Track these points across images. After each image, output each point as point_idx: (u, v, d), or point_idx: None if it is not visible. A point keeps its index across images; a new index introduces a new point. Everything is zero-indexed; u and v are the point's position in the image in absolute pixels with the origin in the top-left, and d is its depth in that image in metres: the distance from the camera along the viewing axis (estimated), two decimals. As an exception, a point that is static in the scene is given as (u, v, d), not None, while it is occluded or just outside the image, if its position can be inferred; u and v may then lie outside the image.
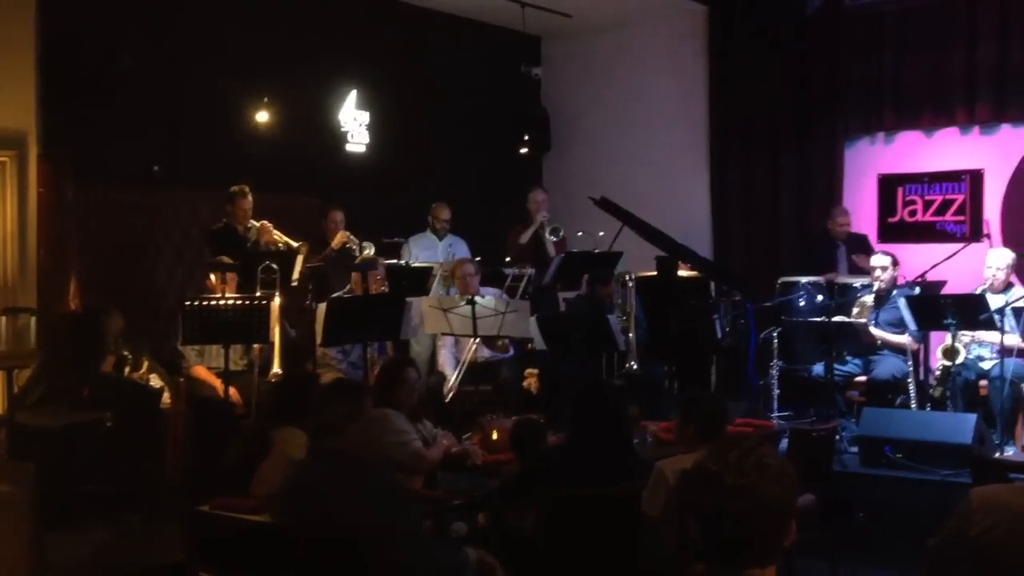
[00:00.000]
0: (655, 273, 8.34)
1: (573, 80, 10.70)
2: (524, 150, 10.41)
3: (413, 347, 7.58)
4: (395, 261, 7.98)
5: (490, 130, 10.19)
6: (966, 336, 6.91)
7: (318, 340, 6.34)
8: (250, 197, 7.35)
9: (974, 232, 8.56)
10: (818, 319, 7.27)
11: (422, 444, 4.86)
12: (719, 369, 8.43)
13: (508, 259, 8.61)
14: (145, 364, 6.46)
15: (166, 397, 6.26)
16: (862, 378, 7.35)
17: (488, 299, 6.92)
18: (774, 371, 7.56)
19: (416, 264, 7.92)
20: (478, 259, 7.83)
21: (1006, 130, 8.52)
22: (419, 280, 7.57)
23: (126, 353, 6.38)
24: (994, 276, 7.08)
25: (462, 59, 9.96)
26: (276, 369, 6.42)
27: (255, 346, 6.56)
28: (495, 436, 5.23)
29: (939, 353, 7.01)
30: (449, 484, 4.92)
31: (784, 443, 6.13)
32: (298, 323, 6.98)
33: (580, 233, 8.73)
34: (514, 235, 8.87)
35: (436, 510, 4.48)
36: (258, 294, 6.35)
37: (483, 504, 4.61)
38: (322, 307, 6.28)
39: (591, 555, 4.00)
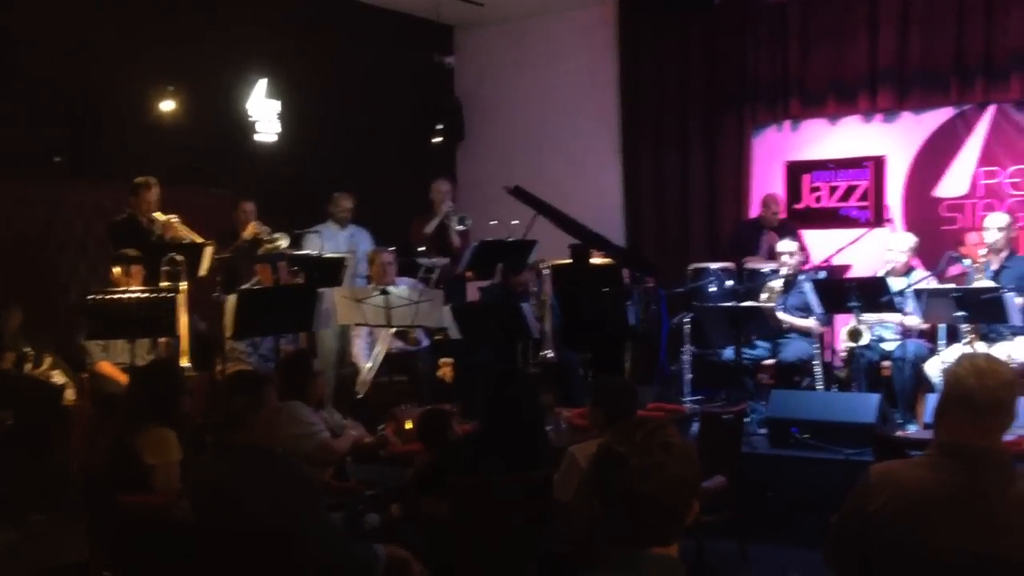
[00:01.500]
0: (569, 261, 8.38)
1: (486, 69, 10.70)
2: (437, 139, 10.38)
3: (327, 338, 7.51)
4: (307, 252, 7.88)
5: (403, 119, 10.14)
6: (870, 318, 7.10)
7: (227, 333, 6.23)
8: (155, 189, 7.18)
9: (877, 217, 8.78)
10: (727, 304, 7.39)
11: (329, 435, 4.81)
12: (633, 355, 8.52)
13: (422, 249, 8.57)
14: (47, 360, 6.29)
15: (70, 394, 6.10)
16: (771, 361, 7.50)
17: (402, 289, 6.89)
18: (686, 356, 7.66)
19: (329, 255, 7.83)
20: (392, 248, 7.78)
21: (907, 117, 8.76)
22: (332, 271, 7.49)
23: (27, 350, 6.20)
24: (896, 260, 7.27)
25: (375, 48, 9.88)
26: (185, 363, 6.30)
27: (162, 340, 6.43)
28: (409, 426, 5.21)
29: (844, 335, 7.19)
30: (362, 475, 4.88)
31: (695, 426, 6.25)
32: (207, 316, 6.86)
33: (494, 222, 8.72)
34: (417, 225, 8.83)
35: (348, 502, 4.44)
36: (163, 286, 6.21)
37: (397, 495, 4.59)
38: (232, 299, 6.18)
39: (505, 541, 4.01)
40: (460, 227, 8.83)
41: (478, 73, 10.72)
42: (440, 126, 10.34)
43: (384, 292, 6.57)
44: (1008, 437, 4.67)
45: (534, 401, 4.31)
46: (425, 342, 7.49)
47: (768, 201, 8.82)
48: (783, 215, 8.91)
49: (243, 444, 3.41)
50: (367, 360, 7.06)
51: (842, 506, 2.82)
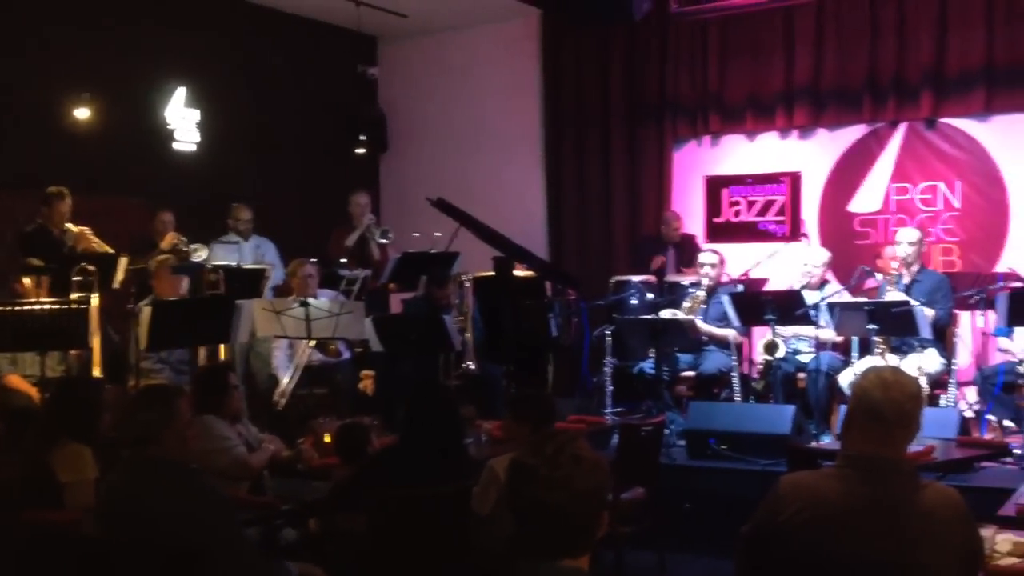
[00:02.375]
0: (491, 273, 8.39)
1: (410, 81, 10.68)
2: (361, 150, 10.33)
3: (257, 349, 7.39)
4: (227, 263, 7.77)
5: (326, 130, 10.07)
6: (786, 331, 7.24)
7: (142, 345, 6.10)
8: (68, 200, 7.01)
9: (793, 231, 8.96)
10: (648, 316, 7.46)
11: (245, 449, 4.74)
12: (555, 367, 8.57)
13: (344, 261, 8.52)
14: (-48, 374, 6.09)
15: (-24, 408, 5.90)
16: (690, 373, 7.59)
17: (322, 301, 6.83)
18: (607, 368, 7.71)
19: (249, 266, 7.73)
20: (314, 260, 7.71)
21: (822, 134, 8.97)
22: (251, 282, 7.39)
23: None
24: (811, 273, 7.42)
25: (297, 58, 9.81)
26: (97, 374, 6.16)
27: (73, 352, 6.27)
28: (327, 439, 5.16)
29: (761, 348, 7.31)
30: (279, 489, 4.81)
31: (615, 438, 6.29)
32: (122, 328, 6.72)
33: (416, 234, 8.71)
34: (337, 237, 8.78)
35: (264, 517, 4.38)
36: (74, 297, 6.06)
37: (315, 509, 4.53)
38: (147, 310, 6.06)
39: (423, 556, 3.99)
40: (383, 240, 8.79)
41: (402, 84, 10.69)
42: (363, 137, 10.29)
43: (304, 304, 6.51)
44: (915, 448, 4.81)
45: (453, 414, 4.30)
46: (346, 354, 7.44)
47: (668, 218, 8.96)
48: (695, 230, 9.05)
49: (154, 459, 3.34)
50: (286, 372, 6.98)
51: (751, 517, 2.86)
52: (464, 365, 7.28)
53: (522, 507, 1.97)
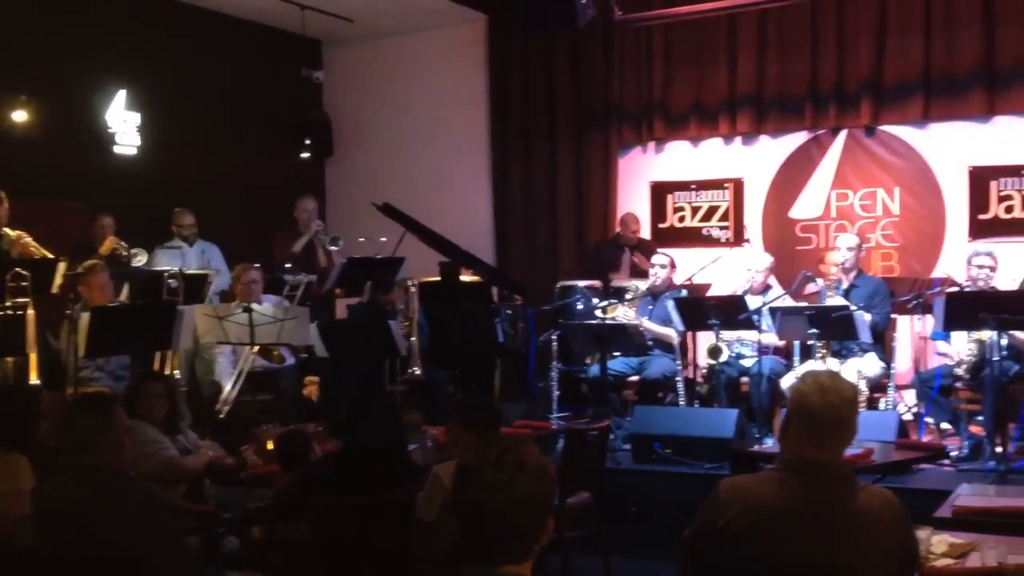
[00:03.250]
0: (438, 279, 8.39)
1: (356, 85, 10.63)
2: (306, 155, 10.27)
3: (201, 355, 7.30)
4: (168, 268, 7.66)
5: (271, 134, 10.00)
6: (730, 335, 7.31)
7: (80, 351, 6.00)
8: (5, 204, 6.86)
9: (737, 237, 9.06)
10: (593, 321, 7.50)
11: (176, 452, 4.69)
12: (502, 372, 8.58)
13: (288, 266, 8.45)
14: None
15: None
16: (636, 378, 7.64)
17: (266, 306, 6.77)
18: (554, 373, 7.74)
19: (191, 271, 7.64)
20: (257, 265, 7.64)
21: (765, 141, 9.07)
22: (194, 287, 7.30)
23: None
24: (753, 279, 7.51)
25: (241, 62, 9.72)
26: (34, 380, 6.04)
27: (9, 359, 6.14)
28: (271, 446, 5.11)
29: (704, 352, 7.38)
30: (221, 497, 4.75)
31: (561, 443, 6.31)
32: (60, 334, 6.60)
33: (362, 239, 8.67)
34: (283, 243, 8.71)
35: (206, 525, 4.33)
36: (8, 304, 5.93)
37: (257, 517, 4.49)
38: (85, 317, 5.96)
39: (366, 563, 3.97)
40: (332, 248, 8.74)
41: (347, 88, 10.63)
42: (308, 141, 10.23)
43: (248, 310, 6.44)
44: (854, 450, 4.89)
45: (394, 420, 4.29)
46: (290, 360, 7.38)
47: (627, 220, 9.01)
48: (641, 234, 9.12)
49: (92, 467, 3.28)
50: (229, 379, 6.90)
51: (692, 521, 2.89)
52: (410, 370, 7.27)
53: (465, 511, 1.97)
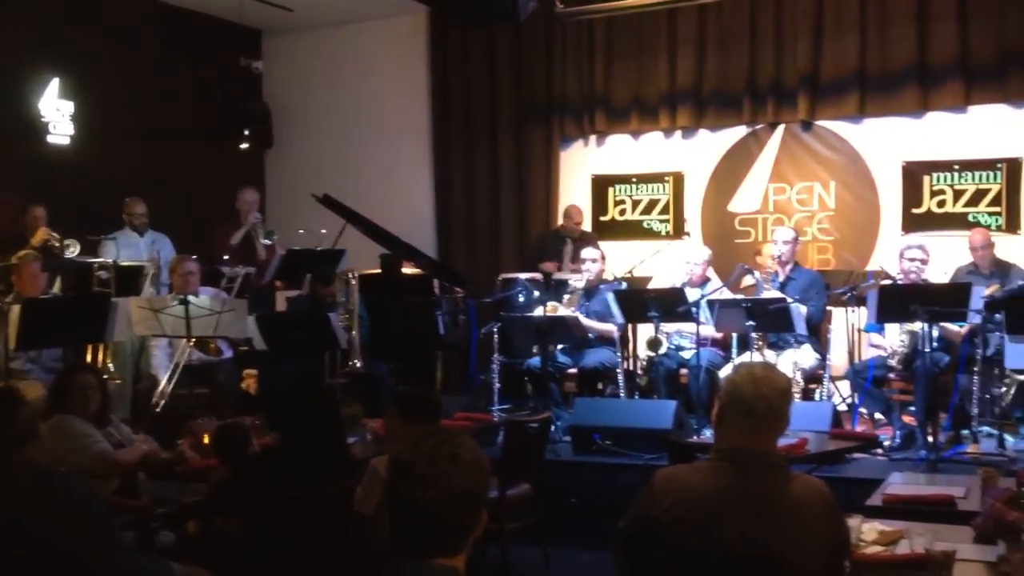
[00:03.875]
0: (379, 271, 8.35)
1: (296, 75, 10.52)
2: (244, 145, 10.15)
3: (125, 349, 7.19)
4: (102, 260, 7.53)
5: (209, 125, 9.86)
6: (669, 327, 7.38)
7: (11, 344, 5.88)
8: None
9: (676, 230, 9.14)
10: (534, 314, 7.51)
11: (108, 446, 4.63)
12: (444, 365, 8.57)
13: (226, 258, 8.35)
14: None
15: None
16: (576, 369, 7.67)
17: (203, 299, 6.68)
18: (495, 365, 7.74)
19: (126, 263, 7.51)
20: (195, 257, 7.54)
21: (704, 135, 9.16)
22: (129, 279, 7.19)
23: None
24: (692, 271, 7.58)
25: (178, 50, 9.57)
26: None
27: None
28: (207, 440, 5.05)
29: (644, 344, 7.44)
30: (155, 492, 4.68)
31: (502, 435, 6.32)
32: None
33: (302, 231, 8.60)
34: (223, 235, 8.60)
35: (140, 521, 4.26)
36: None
37: (193, 511, 4.44)
38: (16, 309, 5.83)
39: (304, 557, 3.94)
40: (267, 241, 8.65)
41: (288, 79, 10.53)
42: (247, 132, 10.11)
43: (184, 302, 6.35)
44: (789, 440, 4.97)
45: (331, 413, 4.26)
46: (228, 353, 7.29)
47: (571, 212, 9.04)
48: (585, 226, 9.16)
49: (20, 463, 3.22)
50: (165, 372, 6.80)
51: (628, 511, 2.91)
52: (350, 363, 7.21)
53: (397, 505, 1.96)
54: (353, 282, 7.48)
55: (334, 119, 10.34)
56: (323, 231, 8.28)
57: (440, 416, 4.63)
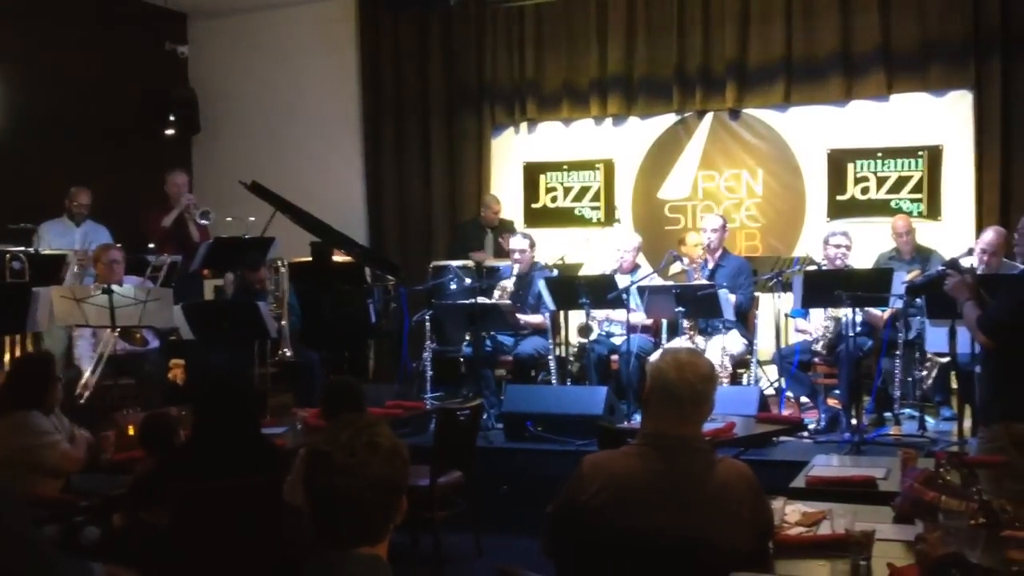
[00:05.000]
0: (309, 259, 8.28)
1: (223, 60, 10.35)
2: (170, 132, 9.97)
3: (44, 340, 7.03)
4: (24, 248, 7.35)
5: (134, 110, 9.66)
6: (600, 314, 7.43)
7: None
8: None
9: (607, 217, 9.20)
10: (465, 301, 7.51)
11: (67, 443, 4.56)
12: (376, 353, 8.53)
13: (152, 245, 8.20)
14: None
15: None
16: (509, 357, 7.68)
17: (127, 287, 6.56)
18: (427, 353, 7.73)
19: (47, 251, 7.35)
20: (119, 245, 7.40)
21: (634, 122, 9.21)
22: (51, 268, 7.03)
23: None
24: (622, 258, 7.63)
25: (102, 35, 9.35)
26: None
27: None
28: (132, 431, 4.96)
29: (575, 331, 7.48)
30: (78, 485, 4.60)
31: (434, 423, 6.31)
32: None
33: (230, 219, 8.48)
34: (154, 219, 8.44)
35: (63, 514, 4.18)
36: None
37: (118, 504, 4.36)
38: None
39: (232, 548, 3.90)
40: (203, 222, 8.51)
41: (214, 64, 10.35)
42: (173, 117, 9.93)
43: (108, 291, 6.23)
44: (716, 425, 5.03)
45: (250, 403, 4.21)
46: (154, 343, 7.17)
47: (488, 201, 9.04)
48: (515, 214, 9.18)
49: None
50: (90, 363, 6.67)
51: (557, 496, 2.93)
52: (281, 352, 7.14)
53: (317, 495, 1.95)
54: (283, 270, 7.41)
55: (263, 105, 10.20)
56: (252, 219, 8.18)
57: (363, 405, 4.61)
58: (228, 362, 6.74)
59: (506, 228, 8.92)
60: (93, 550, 4.19)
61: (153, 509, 4.01)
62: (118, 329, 6.48)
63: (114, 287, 6.32)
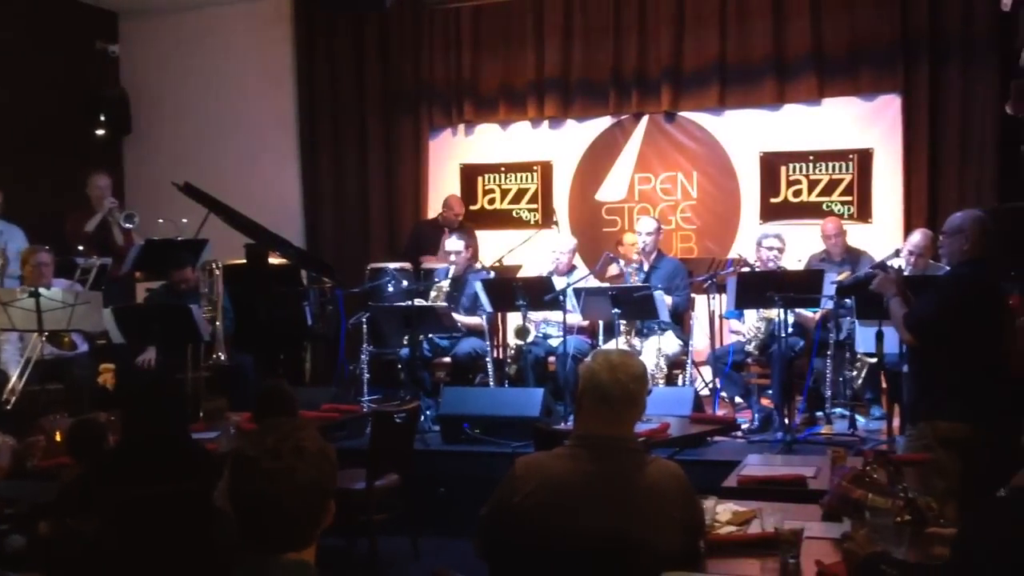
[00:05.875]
0: (244, 261, 8.18)
1: (155, 60, 10.18)
2: (100, 132, 9.79)
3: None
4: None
5: (63, 110, 9.47)
6: (537, 316, 7.44)
7: None
8: None
9: (545, 219, 9.22)
10: (402, 304, 7.48)
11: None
12: (313, 356, 8.46)
13: (81, 248, 8.04)
14: None
15: None
16: (447, 360, 7.67)
17: (55, 291, 6.43)
18: (364, 356, 7.68)
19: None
20: (47, 248, 7.24)
21: (571, 125, 9.25)
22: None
23: None
24: (558, 260, 7.66)
25: (30, 33, 9.14)
26: None
27: None
28: (59, 437, 4.86)
29: (512, 332, 7.49)
30: (3, 492, 4.49)
31: (370, 426, 6.27)
32: None
33: (162, 220, 8.35)
34: (75, 222, 8.27)
35: (-14, 523, 4.08)
36: None
37: (44, 511, 4.26)
38: None
39: (162, 555, 3.83)
40: (127, 225, 8.37)
41: (146, 63, 10.17)
42: (103, 118, 9.75)
43: (35, 295, 6.10)
44: (650, 426, 5.07)
45: (180, 407, 4.15)
46: (83, 347, 7.05)
47: (451, 202, 9.01)
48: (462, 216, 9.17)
49: None
50: (16, 368, 6.53)
51: (490, 499, 2.93)
52: (214, 356, 7.05)
53: (242, 501, 1.92)
54: (217, 273, 7.32)
55: (196, 105, 10.05)
56: (184, 221, 8.06)
57: (296, 409, 4.57)
58: (160, 366, 6.64)
59: (466, 230, 8.88)
60: (18, 559, 4.10)
61: (81, 516, 3.93)
62: (46, 333, 6.34)
63: (42, 290, 6.19)
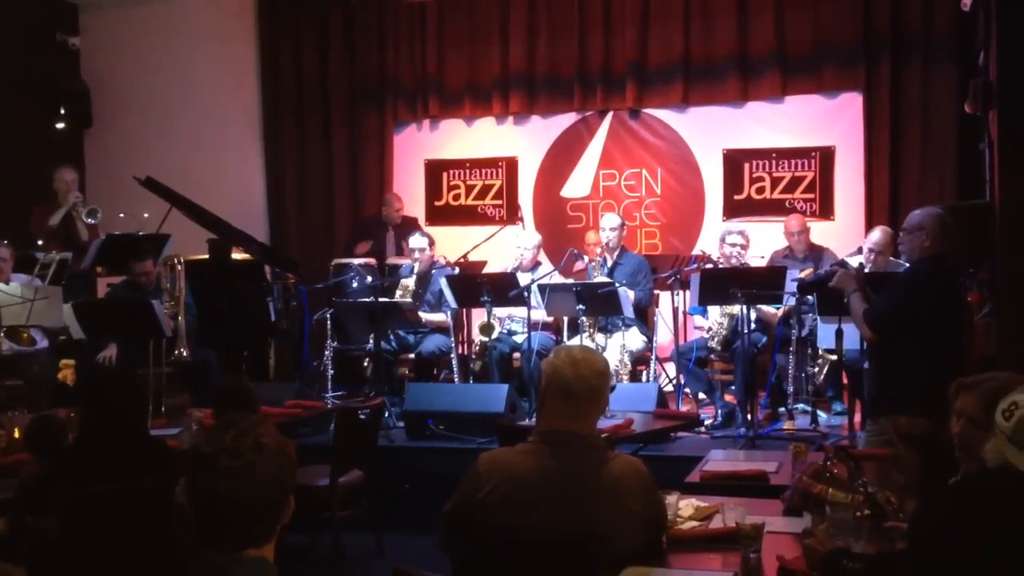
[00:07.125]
0: (207, 256, 8.11)
1: (116, 52, 10.06)
2: (61, 125, 9.67)
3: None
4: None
5: (20, 103, 9.33)
6: (502, 312, 7.44)
7: None
8: None
9: (510, 215, 9.22)
10: (366, 299, 7.45)
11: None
12: (277, 352, 8.41)
13: (40, 242, 7.94)
14: None
15: None
16: (412, 356, 7.65)
17: (14, 286, 6.35)
18: (328, 352, 7.65)
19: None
20: (5, 243, 7.15)
21: (536, 121, 9.26)
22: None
23: None
24: (522, 256, 7.66)
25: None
26: None
27: None
28: (17, 434, 4.80)
29: (477, 328, 7.49)
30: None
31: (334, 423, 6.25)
32: None
33: (123, 215, 8.26)
34: (39, 216, 8.17)
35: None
36: None
37: (3, 509, 4.21)
38: None
39: (122, 552, 3.80)
40: (90, 220, 8.27)
41: (107, 56, 10.05)
42: (64, 111, 9.63)
43: (-7, 290, 6.03)
44: (615, 422, 5.09)
45: (138, 403, 4.12)
46: (43, 343, 6.96)
47: (389, 199, 8.99)
48: (417, 212, 9.14)
49: None
50: (-26, 364, 6.45)
51: (453, 495, 2.93)
52: (176, 352, 6.98)
53: (201, 498, 1.91)
54: (179, 268, 7.25)
55: (158, 98, 9.93)
56: (146, 215, 7.99)
57: (257, 405, 4.54)
58: (120, 362, 6.58)
59: (409, 225, 8.88)
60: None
61: (40, 514, 3.89)
62: (4, 328, 6.26)
63: (0, 285, 6.11)
